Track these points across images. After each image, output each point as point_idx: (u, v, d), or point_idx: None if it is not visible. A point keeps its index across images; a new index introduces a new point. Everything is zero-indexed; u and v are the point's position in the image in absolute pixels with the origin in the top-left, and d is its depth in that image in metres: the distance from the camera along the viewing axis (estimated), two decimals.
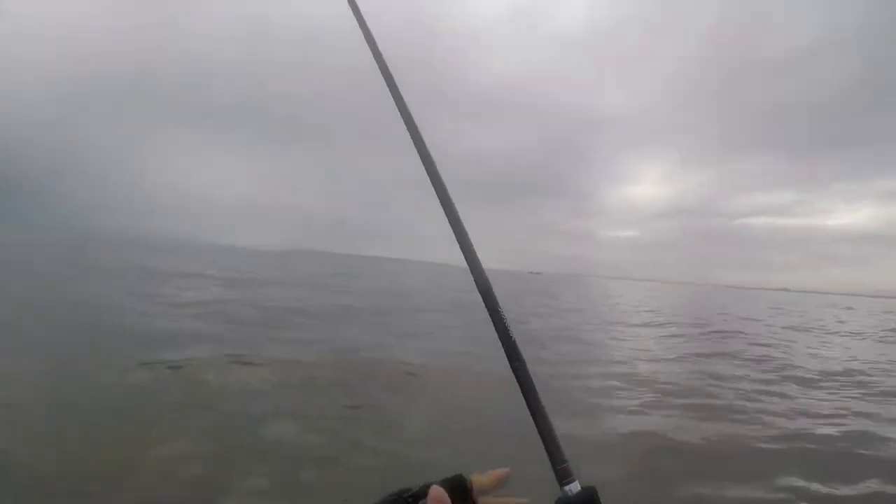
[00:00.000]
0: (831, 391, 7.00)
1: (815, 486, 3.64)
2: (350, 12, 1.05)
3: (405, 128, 0.89)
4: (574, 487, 0.58)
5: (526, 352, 0.64)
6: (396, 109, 0.91)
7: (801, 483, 3.69)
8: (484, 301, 0.70)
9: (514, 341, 0.66)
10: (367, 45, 1.01)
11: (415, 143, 0.85)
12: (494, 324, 0.67)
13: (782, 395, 6.52)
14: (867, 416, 5.68)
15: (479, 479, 0.64)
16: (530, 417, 0.62)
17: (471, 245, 0.74)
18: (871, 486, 3.71)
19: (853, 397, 6.69)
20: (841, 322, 22.49)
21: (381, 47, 1.00)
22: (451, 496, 0.58)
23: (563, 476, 0.59)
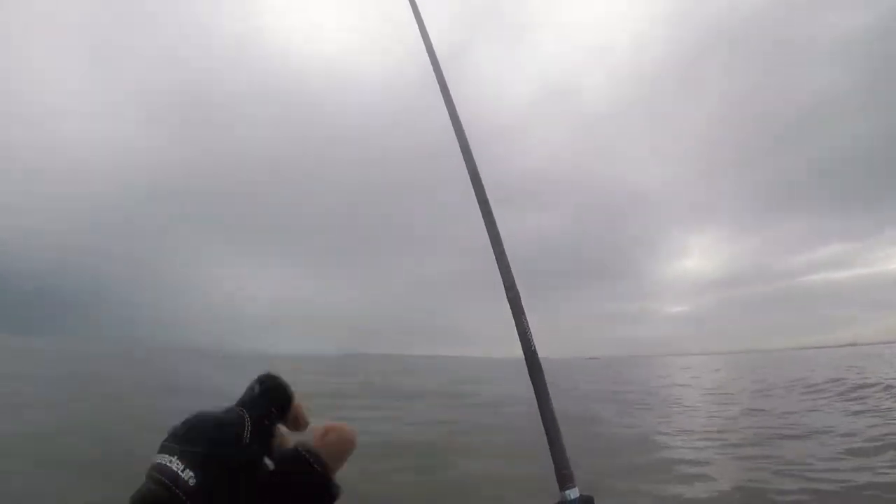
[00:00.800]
0: None
1: None
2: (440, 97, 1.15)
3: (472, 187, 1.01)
4: (573, 493, 0.64)
5: None
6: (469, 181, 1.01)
7: None
8: (511, 307, 0.76)
9: (536, 353, 0.70)
10: (447, 113, 1.15)
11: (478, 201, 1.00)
12: (519, 335, 0.73)
13: None
14: None
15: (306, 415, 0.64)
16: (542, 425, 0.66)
17: (503, 249, 0.86)
18: None
19: None
20: None
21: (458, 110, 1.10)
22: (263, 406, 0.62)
23: (565, 481, 0.64)
